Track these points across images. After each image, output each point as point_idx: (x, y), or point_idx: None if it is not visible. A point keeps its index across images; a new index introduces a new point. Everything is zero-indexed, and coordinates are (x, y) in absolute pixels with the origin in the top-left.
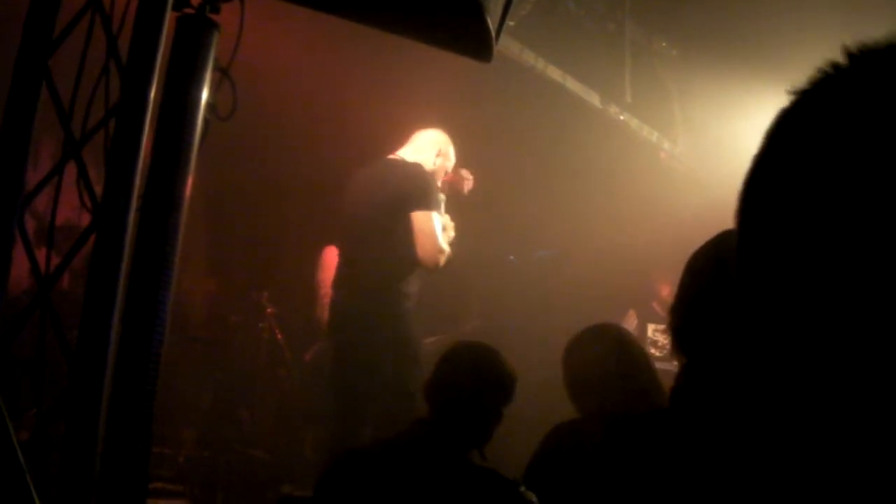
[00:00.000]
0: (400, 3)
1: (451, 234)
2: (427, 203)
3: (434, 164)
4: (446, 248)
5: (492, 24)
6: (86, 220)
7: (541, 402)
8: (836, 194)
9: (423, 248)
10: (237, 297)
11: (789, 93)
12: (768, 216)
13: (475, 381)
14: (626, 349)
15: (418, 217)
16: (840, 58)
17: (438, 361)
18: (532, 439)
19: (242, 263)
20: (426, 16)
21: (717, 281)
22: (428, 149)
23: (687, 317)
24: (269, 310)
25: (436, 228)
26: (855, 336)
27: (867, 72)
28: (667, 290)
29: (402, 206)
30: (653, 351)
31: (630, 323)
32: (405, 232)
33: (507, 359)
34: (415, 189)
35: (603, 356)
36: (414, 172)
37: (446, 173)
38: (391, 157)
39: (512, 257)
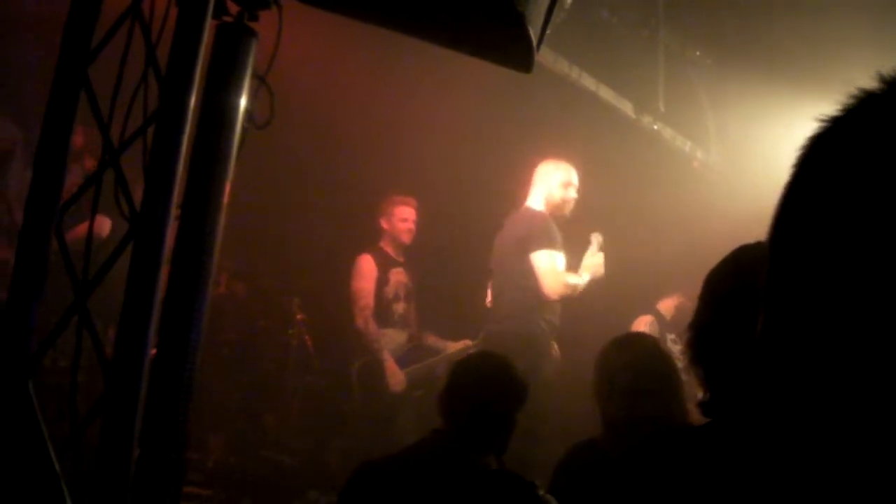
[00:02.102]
0: (442, 14)
1: (592, 260)
2: (541, 244)
3: (547, 201)
4: (571, 280)
5: (533, 34)
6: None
7: (567, 407)
8: (872, 221)
9: (544, 285)
10: (266, 302)
11: (820, 119)
12: (803, 241)
13: (486, 389)
14: (656, 362)
15: (535, 257)
16: (874, 83)
17: (450, 372)
18: (553, 443)
19: (272, 269)
20: (468, 27)
21: (734, 295)
22: (538, 187)
23: (705, 330)
24: (298, 316)
25: (553, 264)
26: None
27: None
28: (674, 301)
29: (524, 249)
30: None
31: (650, 329)
32: (529, 271)
33: (517, 366)
34: (529, 233)
35: (630, 365)
36: (529, 216)
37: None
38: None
39: None
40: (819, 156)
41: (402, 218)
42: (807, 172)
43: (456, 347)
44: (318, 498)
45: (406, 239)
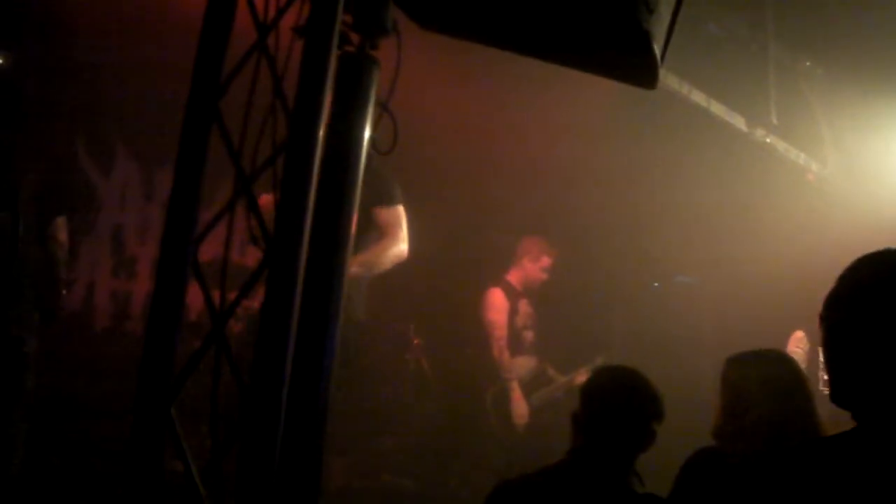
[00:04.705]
0: (567, 35)
1: None
2: None
3: None
4: None
5: (657, 50)
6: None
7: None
8: None
9: None
10: (383, 327)
11: None
12: None
13: (626, 402)
14: (803, 382)
15: None
16: None
17: (584, 389)
18: (672, 464)
19: (387, 294)
20: (593, 47)
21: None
22: None
23: (838, 328)
24: (415, 341)
25: None
26: None
27: None
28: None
29: None
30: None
31: (800, 345)
32: None
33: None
34: None
35: (780, 379)
36: None
37: None
38: None
39: (656, 284)
40: None
41: (543, 267)
42: None
43: (570, 377)
44: None
45: (538, 285)
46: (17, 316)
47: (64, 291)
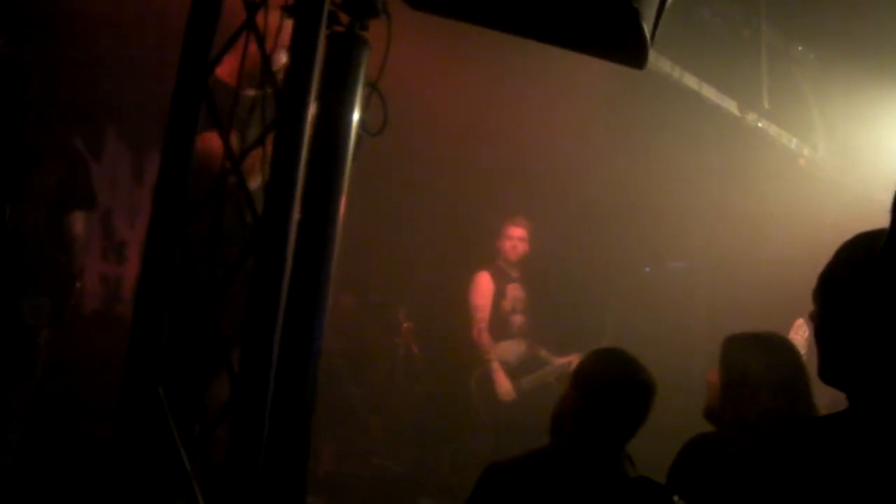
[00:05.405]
0: (556, 14)
1: None
2: None
3: None
4: None
5: (647, 30)
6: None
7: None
8: None
9: None
10: (373, 312)
11: None
12: None
13: (619, 388)
14: (804, 370)
15: None
16: None
17: (577, 374)
18: (664, 451)
19: (377, 280)
20: (582, 25)
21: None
22: None
23: (825, 318)
24: (405, 325)
25: None
26: None
27: None
28: None
29: None
30: None
31: (799, 332)
32: None
33: (645, 364)
34: None
35: (772, 365)
36: None
37: None
38: None
39: (647, 269)
40: None
41: (509, 235)
42: None
43: (564, 361)
44: None
45: (512, 255)
46: (32, 305)
47: (78, 284)
